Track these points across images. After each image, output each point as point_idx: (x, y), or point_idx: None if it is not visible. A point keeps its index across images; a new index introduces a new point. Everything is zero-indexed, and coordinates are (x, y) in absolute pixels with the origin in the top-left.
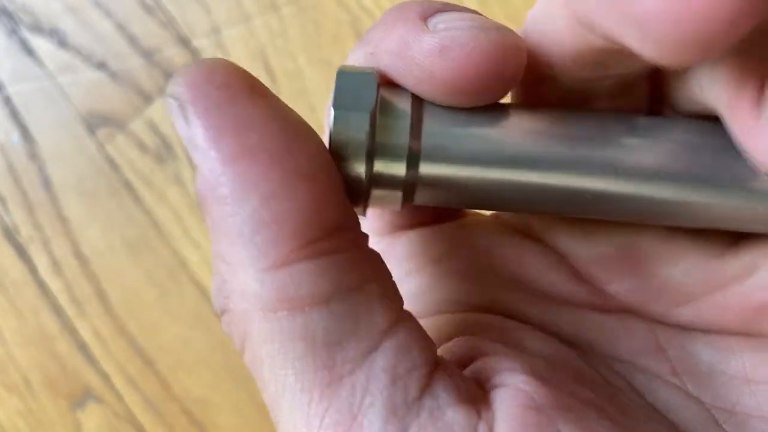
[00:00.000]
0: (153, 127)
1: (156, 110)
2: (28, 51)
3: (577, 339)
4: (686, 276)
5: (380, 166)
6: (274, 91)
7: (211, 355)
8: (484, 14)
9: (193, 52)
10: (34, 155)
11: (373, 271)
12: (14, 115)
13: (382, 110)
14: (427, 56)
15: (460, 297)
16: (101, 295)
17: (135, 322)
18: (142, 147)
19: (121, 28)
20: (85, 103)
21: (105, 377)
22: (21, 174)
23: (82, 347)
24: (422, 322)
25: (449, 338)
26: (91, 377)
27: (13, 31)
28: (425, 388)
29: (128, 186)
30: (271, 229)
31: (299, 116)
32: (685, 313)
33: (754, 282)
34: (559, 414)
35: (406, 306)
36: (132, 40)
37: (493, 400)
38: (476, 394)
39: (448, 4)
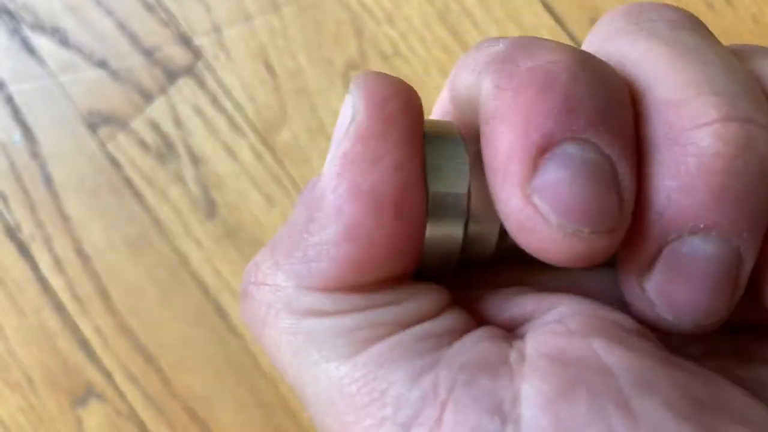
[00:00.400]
0: (154, 126)
1: (157, 109)
2: (30, 50)
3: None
4: None
5: (473, 232)
6: (274, 89)
7: (213, 353)
8: (484, 14)
9: (194, 51)
10: (35, 154)
11: (414, 289)
12: (16, 113)
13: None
14: (508, 217)
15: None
16: (103, 293)
17: (136, 320)
18: (143, 145)
19: (122, 26)
20: (87, 102)
21: (107, 375)
22: (22, 172)
23: (84, 345)
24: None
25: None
26: (93, 375)
27: (15, 30)
28: (456, 339)
29: (129, 184)
30: (329, 265)
31: (420, 165)
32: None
33: None
34: (594, 335)
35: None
36: (133, 38)
37: (527, 335)
38: (511, 336)
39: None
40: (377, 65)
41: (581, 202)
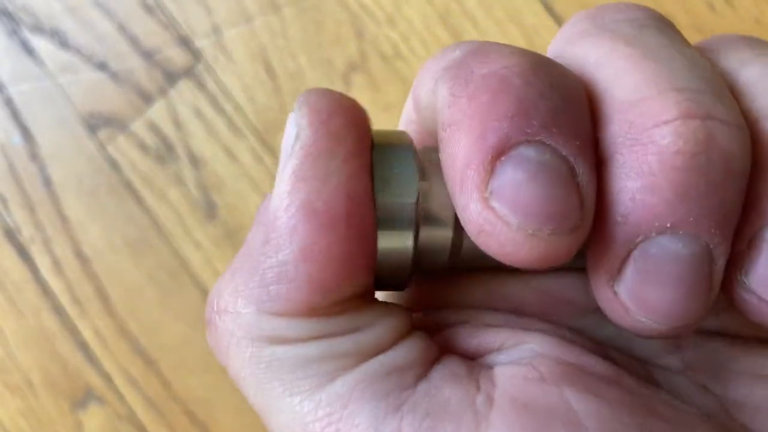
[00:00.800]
0: (154, 128)
1: (157, 111)
2: (29, 51)
3: (596, 342)
4: None
5: (424, 242)
6: (274, 91)
7: (213, 355)
8: (485, 15)
9: (194, 53)
10: (34, 156)
11: (377, 314)
12: (15, 115)
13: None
14: (468, 223)
15: (469, 298)
16: (102, 295)
17: (136, 322)
18: (143, 147)
19: (121, 28)
20: (86, 104)
21: (106, 377)
22: (22, 174)
23: (83, 347)
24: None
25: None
26: (93, 377)
27: (14, 32)
28: (421, 377)
29: (129, 186)
30: (288, 287)
31: (370, 178)
32: (711, 323)
33: None
34: (565, 383)
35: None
36: (133, 40)
37: (495, 373)
38: (477, 370)
39: (541, 127)
40: (378, 66)
41: (540, 202)
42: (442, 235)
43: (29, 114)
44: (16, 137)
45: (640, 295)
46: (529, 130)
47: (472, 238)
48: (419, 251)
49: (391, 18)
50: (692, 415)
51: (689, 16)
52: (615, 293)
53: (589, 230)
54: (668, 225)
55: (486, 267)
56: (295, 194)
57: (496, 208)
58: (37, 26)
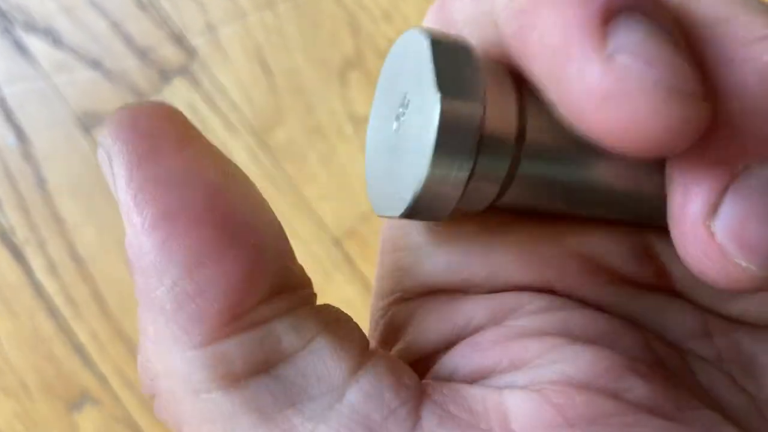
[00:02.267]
0: None
1: None
2: (23, 50)
3: (630, 318)
4: None
5: (483, 163)
6: (270, 89)
7: None
8: None
9: (189, 51)
10: (29, 156)
11: (321, 323)
12: (9, 115)
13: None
14: (585, 94)
15: (506, 275)
16: (98, 297)
17: (131, 324)
18: None
19: (115, 26)
20: (81, 103)
21: (102, 379)
22: (16, 175)
23: (79, 349)
24: (449, 306)
25: (478, 326)
26: (88, 379)
27: (7, 31)
28: (413, 427)
29: None
30: (194, 304)
31: (231, 163)
32: (733, 306)
33: None
34: (594, 427)
35: (439, 279)
36: (127, 38)
37: (510, 409)
38: (485, 409)
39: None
40: (374, 64)
41: (666, 60)
42: (502, 153)
43: (23, 114)
44: (10, 138)
45: (742, 232)
46: None
47: (587, 115)
48: (476, 168)
49: (387, 14)
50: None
51: None
52: (712, 233)
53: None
54: None
55: (527, 211)
56: (143, 208)
57: (625, 64)
58: (30, 25)
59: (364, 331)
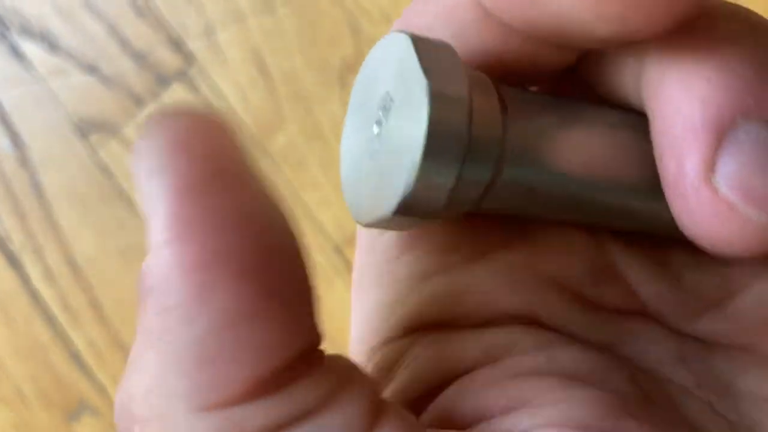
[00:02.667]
0: None
1: (149, 114)
2: (18, 55)
3: (610, 347)
4: (704, 281)
5: (468, 167)
6: (268, 92)
7: None
8: None
9: (186, 55)
10: (25, 162)
11: (335, 381)
12: (5, 121)
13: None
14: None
15: (495, 304)
16: (95, 304)
17: (129, 331)
18: None
19: (112, 30)
20: (77, 108)
21: (100, 388)
22: (12, 181)
23: (76, 357)
24: (441, 344)
25: (471, 365)
26: (86, 388)
27: (3, 35)
28: None
29: (121, 192)
30: (218, 366)
31: (278, 204)
32: (702, 325)
33: (758, 294)
34: None
35: (427, 314)
36: (124, 43)
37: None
38: None
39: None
40: None
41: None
42: (486, 161)
43: (19, 119)
44: (6, 143)
45: (745, 180)
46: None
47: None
48: (465, 162)
49: (387, 16)
50: None
51: None
52: (714, 189)
53: None
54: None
55: (506, 215)
56: (185, 245)
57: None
58: (26, 29)
59: None
